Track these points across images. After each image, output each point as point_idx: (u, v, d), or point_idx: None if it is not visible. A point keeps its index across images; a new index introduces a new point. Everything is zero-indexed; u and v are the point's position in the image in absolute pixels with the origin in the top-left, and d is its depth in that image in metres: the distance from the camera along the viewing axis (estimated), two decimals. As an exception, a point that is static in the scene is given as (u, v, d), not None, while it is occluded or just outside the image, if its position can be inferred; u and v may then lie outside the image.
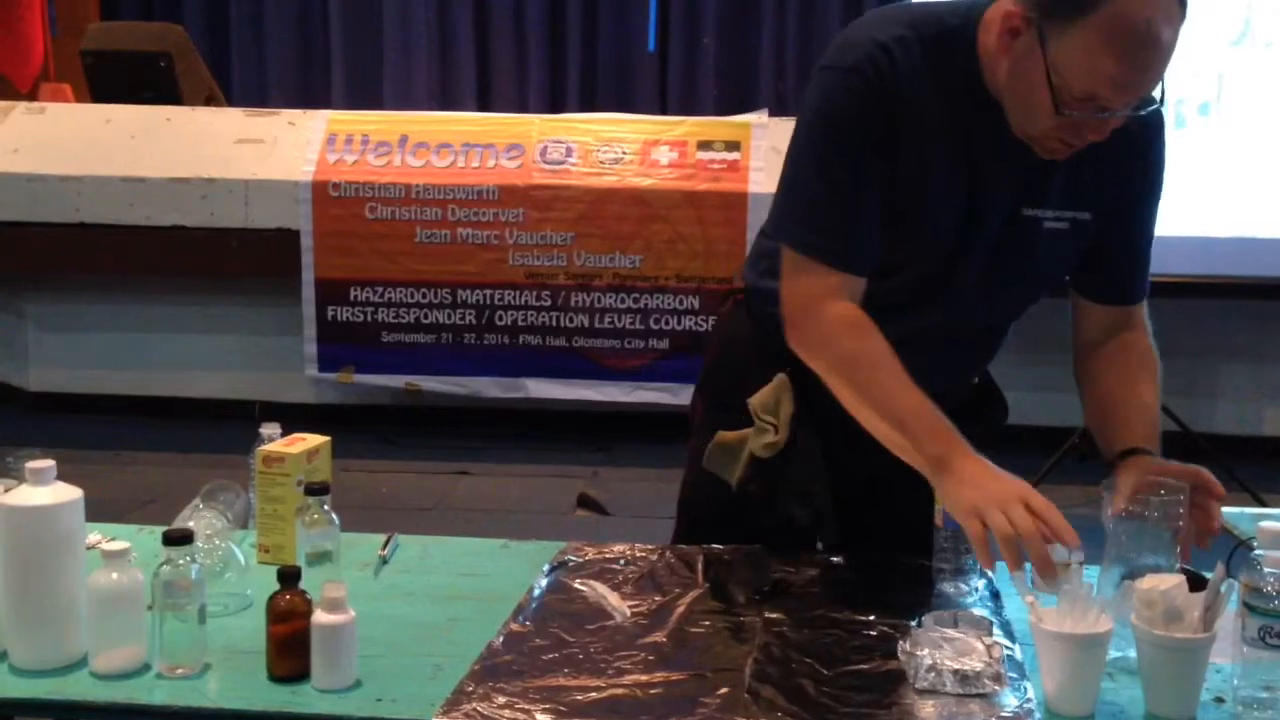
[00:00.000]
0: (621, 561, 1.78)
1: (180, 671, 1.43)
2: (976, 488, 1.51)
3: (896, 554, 1.79)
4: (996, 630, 1.52)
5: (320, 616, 1.41)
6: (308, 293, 4.83)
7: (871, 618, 1.60)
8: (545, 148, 4.80)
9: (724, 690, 1.40)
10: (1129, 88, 1.51)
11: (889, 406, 1.59)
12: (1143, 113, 1.54)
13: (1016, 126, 1.59)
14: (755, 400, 1.75)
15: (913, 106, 1.60)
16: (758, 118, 4.93)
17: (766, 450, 1.73)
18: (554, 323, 4.77)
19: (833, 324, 1.64)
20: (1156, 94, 1.54)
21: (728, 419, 1.79)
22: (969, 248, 1.66)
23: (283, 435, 1.83)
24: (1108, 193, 1.69)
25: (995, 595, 1.69)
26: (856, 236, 1.64)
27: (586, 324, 4.75)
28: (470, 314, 4.81)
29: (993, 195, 1.64)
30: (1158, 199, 1.78)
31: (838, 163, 1.63)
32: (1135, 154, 1.69)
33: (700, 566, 1.77)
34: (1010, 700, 1.37)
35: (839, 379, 1.64)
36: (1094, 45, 1.47)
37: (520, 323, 4.79)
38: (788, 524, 1.79)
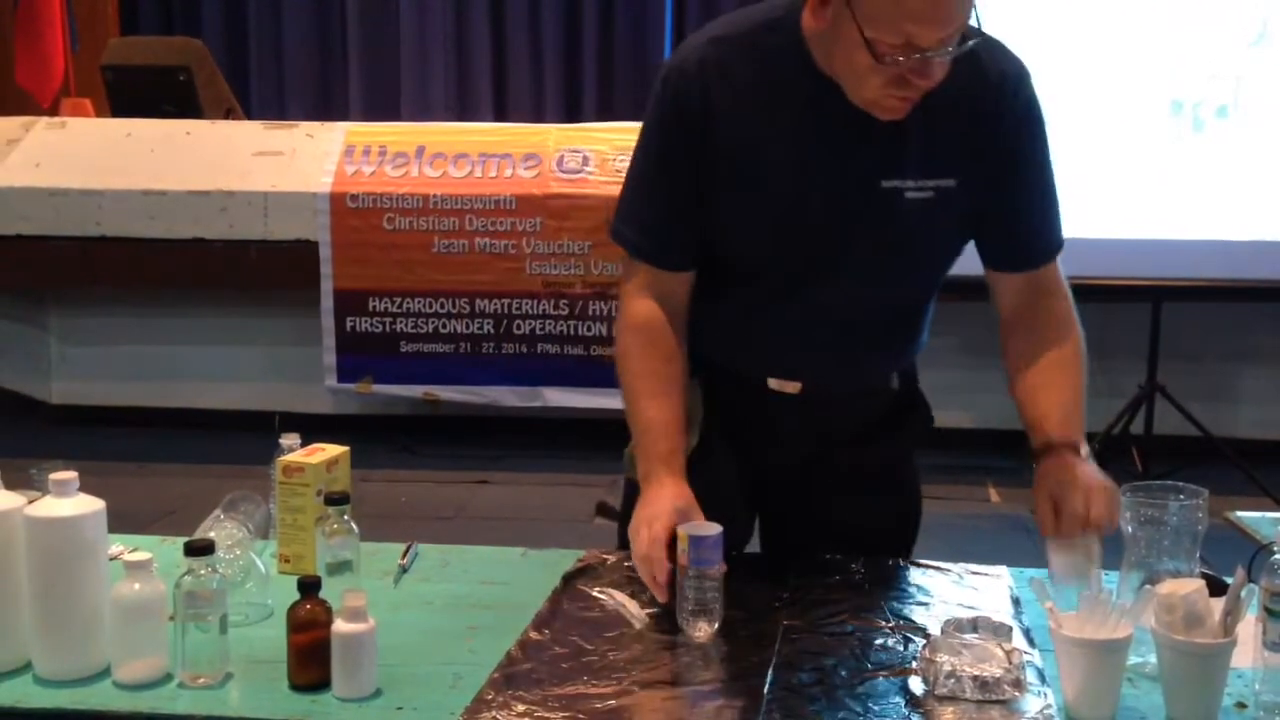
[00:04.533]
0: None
1: (202, 681, 1.44)
2: (644, 508, 1.64)
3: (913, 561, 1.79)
4: (1016, 636, 1.52)
5: (340, 626, 1.41)
6: (326, 303, 4.85)
7: (891, 624, 1.60)
8: (562, 157, 4.82)
9: (743, 698, 1.41)
10: (935, 21, 1.49)
11: (633, 414, 1.74)
12: (956, 49, 1.52)
13: (853, 95, 1.58)
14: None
15: (734, 103, 1.65)
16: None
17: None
18: (572, 331, 4.77)
19: (626, 321, 1.76)
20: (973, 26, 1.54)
21: None
22: (833, 226, 1.67)
23: (302, 445, 1.84)
24: (971, 158, 1.67)
25: (1015, 601, 1.68)
26: (664, 233, 1.73)
27: (604, 333, 4.75)
28: (488, 323, 4.83)
29: (847, 172, 1.65)
30: (1037, 160, 1.74)
31: (650, 166, 1.74)
32: (990, 117, 1.66)
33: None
34: (1030, 706, 1.37)
35: (619, 373, 1.77)
36: None
37: (538, 332, 4.80)
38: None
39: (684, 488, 1.67)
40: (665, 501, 1.63)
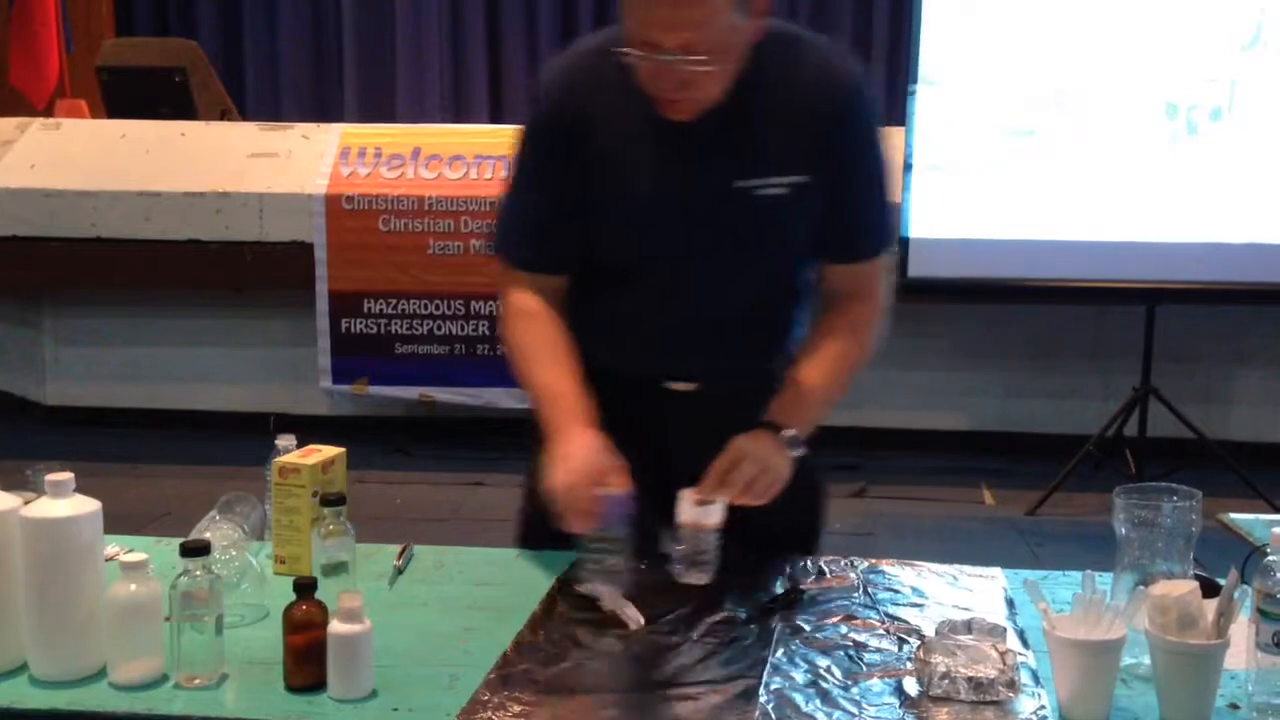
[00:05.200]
0: (636, 570, 1.79)
1: (198, 682, 1.44)
2: (559, 450, 1.68)
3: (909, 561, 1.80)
4: (1010, 637, 1.52)
5: (336, 627, 1.41)
6: (321, 305, 4.85)
7: (885, 625, 1.61)
8: (557, 159, 4.82)
9: (739, 699, 1.41)
10: (661, 24, 1.58)
11: (531, 386, 1.79)
12: (698, 62, 1.59)
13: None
14: None
15: (597, 111, 1.74)
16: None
17: None
18: (567, 333, 4.77)
19: (510, 314, 1.84)
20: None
21: None
22: (692, 226, 1.75)
23: (298, 447, 1.84)
24: (819, 156, 1.74)
25: (1010, 602, 1.69)
26: (540, 241, 1.83)
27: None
28: (483, 325, 4.83)
29: (701, 173, 1.73)
30: (874, 161, 1.81)
31: (521, 179, 1.83)
32: (837, 117, 1.74)
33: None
34: (1024, 707, 1.38)
35: (512, 362, 1.83)
36: None
37: (533, 333, 4.79)
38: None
39: (597, 436, 1.70)
40: (583, 444, 1.68)
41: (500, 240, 1.87)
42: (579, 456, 1.66)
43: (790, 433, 1.74)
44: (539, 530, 1.84)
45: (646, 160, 1.74)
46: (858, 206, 1.81)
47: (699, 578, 1.67)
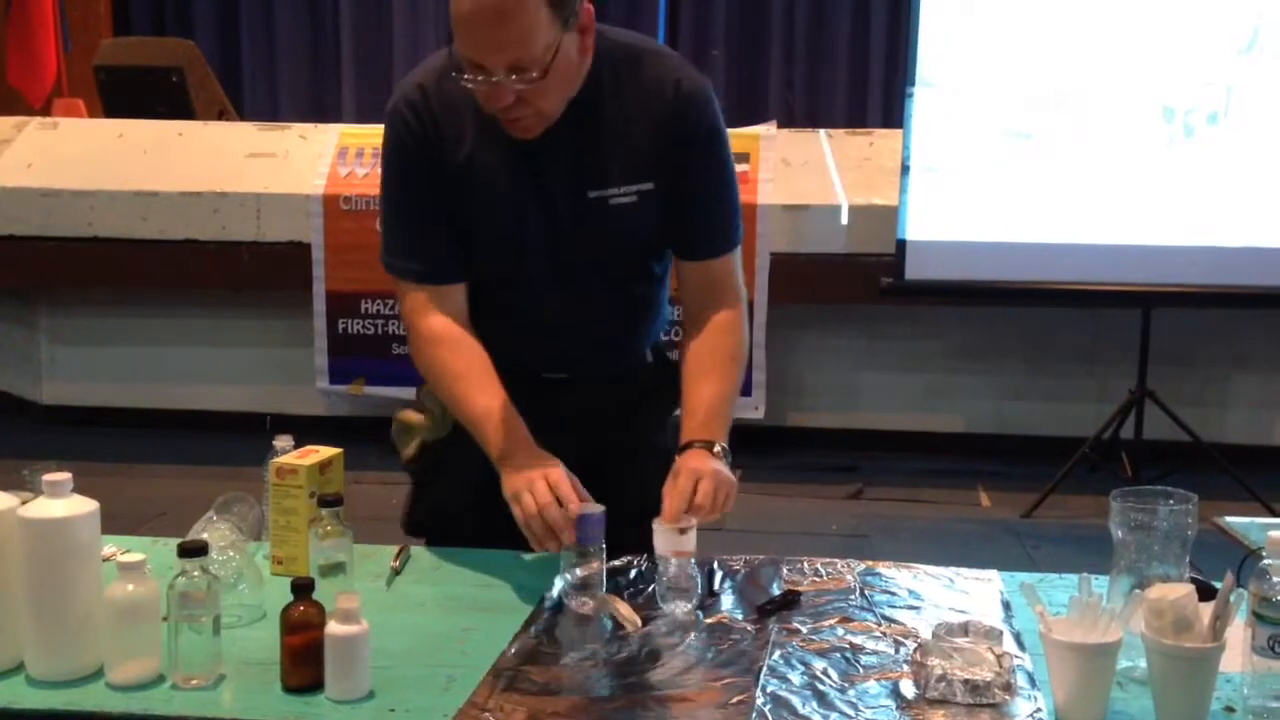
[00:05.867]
0: (633, 572, 1.79)
1: (195, 682, 1.44)
2: (516, 474, 1.71)
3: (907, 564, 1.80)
4: (1006, 640, 1.52)
5: (334, 627, 1.42)
6: (319, 305, 4.84)
7: (882, 628, 1.61)
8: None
9: (735, 700, 1.41)
10: (483, 47, 1.65)
11: (466, 412, 1.82)
12: (523, 80, 1.65)
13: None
14: (425, 390, 1.98)
15: (453, 129, 1.80)
16: (766, 129, 4.94)
17: (429, 433, 1.97)
18: (564, 334, 4.77)
19: (424, 340, 1.88)
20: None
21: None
22: (553, 236, 1.84)
23: (295, 447, 1.84)
24: (664, 162, 1.82)
25: (1006, 605, 1.69)
26: (430, 254, 1.86)
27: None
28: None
29: (556, 186, 1.81)
30: (713, 166, 1.88)
31: (397, 195, 1.88)
32: (679, 124, 1.81)
33: (711, 577, 1.78)
34: (1020, 710, 1.38)
35: (436, 388, 1.90)
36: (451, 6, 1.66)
37: (530, 334, 4.80)
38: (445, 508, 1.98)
39: (548, 455, 1.76)
40: (544, 468, 1.72)
41: (389, 257, 1.90)
42: (545, 480, 1.69)
43: (721, 446, 1.81)
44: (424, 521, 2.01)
45: (502, 175, 1.80)
46: (705, 208, 1.89)
47: (685, 605, 1.67)
